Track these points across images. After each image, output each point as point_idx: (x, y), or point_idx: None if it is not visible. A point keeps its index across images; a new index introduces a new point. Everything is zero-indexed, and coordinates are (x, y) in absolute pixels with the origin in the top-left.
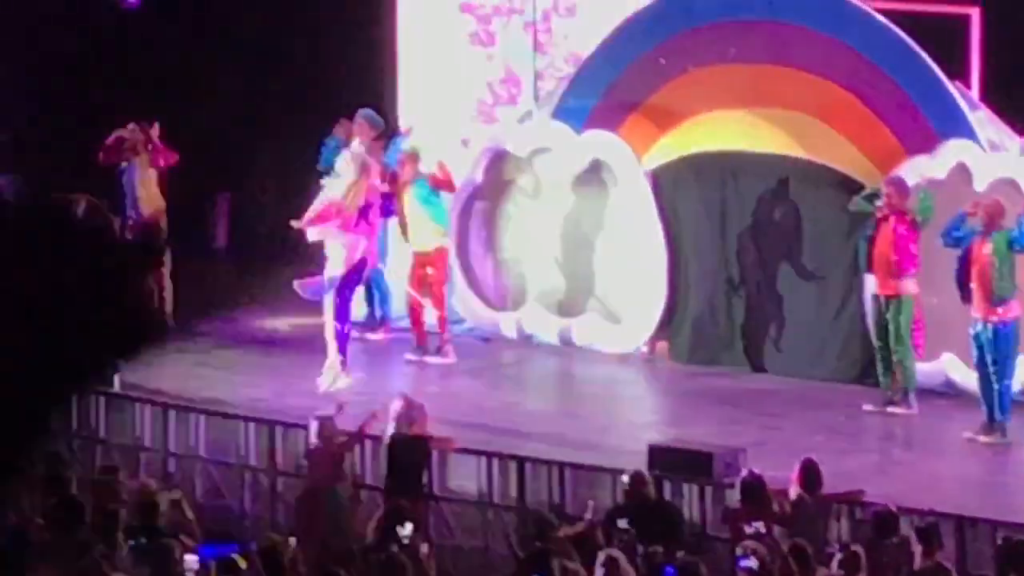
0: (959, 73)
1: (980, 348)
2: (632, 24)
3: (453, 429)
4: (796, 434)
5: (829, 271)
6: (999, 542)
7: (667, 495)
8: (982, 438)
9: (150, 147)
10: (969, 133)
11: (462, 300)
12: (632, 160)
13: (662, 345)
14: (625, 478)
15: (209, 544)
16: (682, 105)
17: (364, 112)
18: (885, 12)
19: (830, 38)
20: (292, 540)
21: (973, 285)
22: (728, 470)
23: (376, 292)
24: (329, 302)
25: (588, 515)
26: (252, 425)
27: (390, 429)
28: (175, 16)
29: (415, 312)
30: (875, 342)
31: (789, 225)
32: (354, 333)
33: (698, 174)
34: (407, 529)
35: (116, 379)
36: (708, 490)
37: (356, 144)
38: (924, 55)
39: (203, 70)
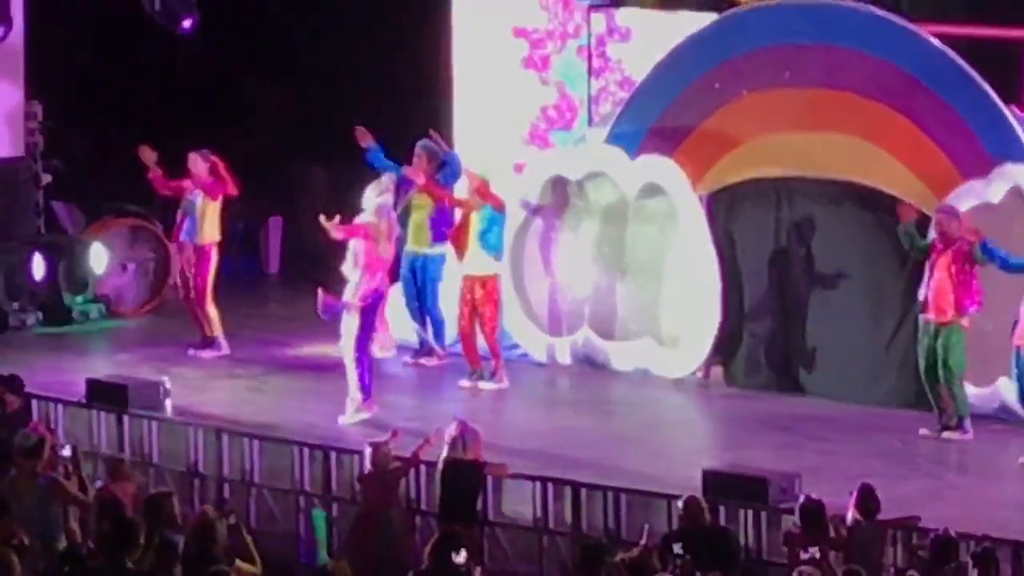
0: (1014, 97)
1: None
2: (686, 48)
3: (507, 454)
4: (851, 459)
5: (884, 295)
6: None
7: (722, 520)
8: None
9: (207, 182)
10: None
11: (516, 325)
12: (686, 184)
13: (717, 370)
14: (680, 503)
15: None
16: (736, 129)
17: (423, 143)
18: (940, 36)
19: (884, 61)
20: (346, 565)
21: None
22: (783, 495)
23: (429, 318)
24: (350, 332)
25: (643, 540)
26: (306, 450)
27: (444, 454)
28: (227, 42)
29: (467, 337)
30: (921, 366)
31: (844, 249)
32: (408, 359)
33: (753, 198)
34: (461, 555)
35: (168, 403)
36: (763, 515)
37: (386, 179)
38: (979, 79)
39: (254, 95)
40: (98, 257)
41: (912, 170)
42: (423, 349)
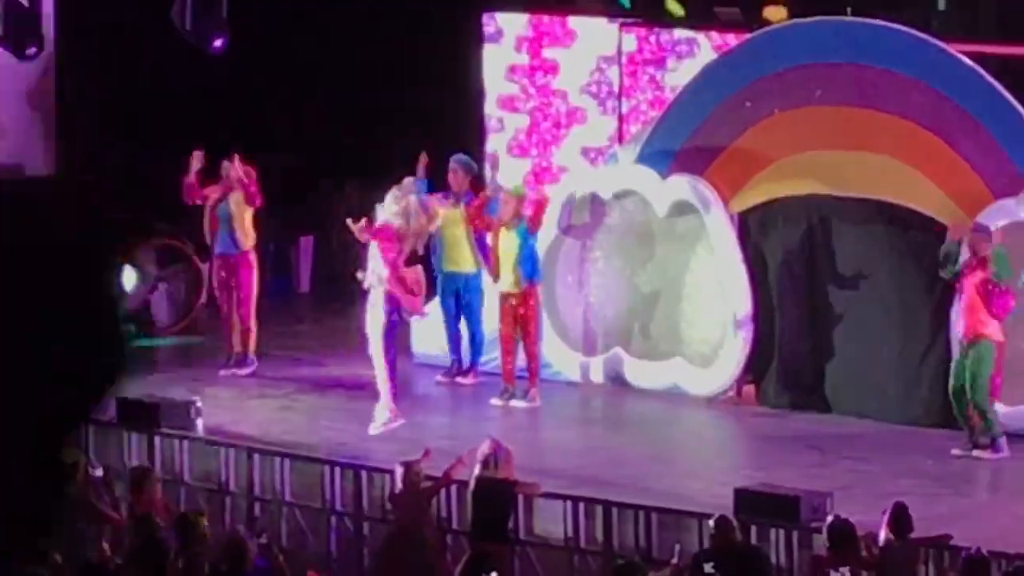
0: None
1: None
2: (717, 67)
3: (539, 473)
4: (882, 478)
5: (914, 314)
6: None
7: (754, 539)
8: None
9: (246, 184)
10: None
11: (548, 343)
12: (718, 203)
13: (749, 389)
14: (711, 522)
15: None
16: (768, 148)
17: (458, 157)
18: (970, 54)
19: (915, 80)
20: None
21: None
22: (815, 514)
23: (472, 335)
24: (378, 344)
25: (675, 560)
26: (337, 469)
27: (476, 473)
28: (258, 61)
29: (509, 354)
30: (951, 384)
31: (875, 268)
32: (440, 377)
33: (784, 217)
34: (493, 575)
35: (199, 423)
36: (795, 534)
37: (407, 182)
38: (1010, 97)
39: (285, 114)
40: (129, 277)
41: (943, 189)
42: (455, 368)
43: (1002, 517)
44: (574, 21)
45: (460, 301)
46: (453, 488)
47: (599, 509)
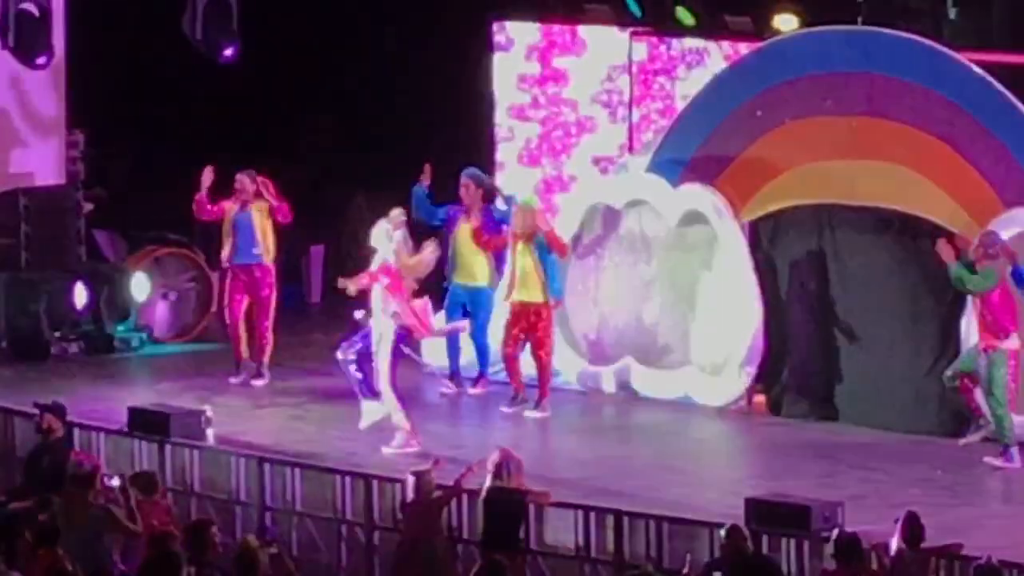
0: None
1: None
2: (728, 76)
3: (550, 482)
4: (893, 487)
5: (925, 323)
6: None
7: (765, 549)
8: None
9: (266, 198)
10: None
11: (559, 353)
12: (728, 212)
13: (760, 398)
14: (723, 532)
15: None
16: (778, 157)
17: (470, 172)
18: (981, 63)
19: (926, 89)
20: None
21: None
22: (826, 523)
23: (477, 346)
24: (387, 374)
25: (686, 570)
26: (348, 479)
27: (487, 482)
28: (268, 70)
29: (513, 360)
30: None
31: (886, 277)
32: (447, 388)
33: (795, 226)
34: None
35: (210, 432)
36: (806, 544)
37: (395, 214)
38: (1021, 106)
39: (295, 124)
40: (140, 285)
41: (954, 197)
42: (456, 380)
43: (1014, 527)
44: (584, 30)
45: (468, 314)
46: (464, 498)
47: (610, 518)
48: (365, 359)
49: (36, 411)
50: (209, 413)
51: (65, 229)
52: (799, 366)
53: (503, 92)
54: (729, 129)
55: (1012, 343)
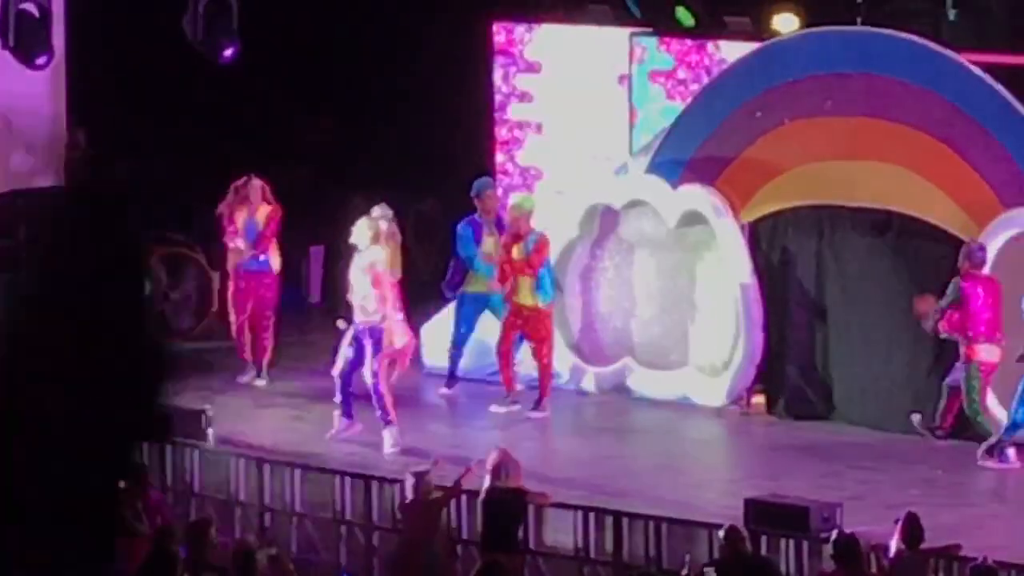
0: None
1: None
2: (728, 77)
3: (549, 483)
4: (892, 488)
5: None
6: None
7: (764, 550)
8: None
9: (270, 202)
10: None
11: (558, 353)
12: (728, 213)
13: (759, 399)
14: (721, 532)
15: None
16: (778, 158)
17: (485, 181)
18: (981, 64)
19: (925, 90)
20: None
21: None
22: (825, 524)
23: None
24: (370, 360)
25: (685, 571)
26: (348, 479)
27: (486, 483)
28: (268, 71)
29: (506, 358)
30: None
31: (885, 278)
32: (446, 389)
33: (795, 227)
34: None
35: (211, 433)
36: (805, 545)
37: (377, 210)
38: (1020, 107)
39: (295, 124)
40: None
41: (953, 198)
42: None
43: (1013, 527)
44: (584, 30)
45: (477, 315)
46: (463, 498)
47: (609, 519)
48: (355, 364)
49: None
50: (209, 413)
51: None
52: (798, 367)
53: (503, 93)
54: (728, 130)
55: (982, 352)
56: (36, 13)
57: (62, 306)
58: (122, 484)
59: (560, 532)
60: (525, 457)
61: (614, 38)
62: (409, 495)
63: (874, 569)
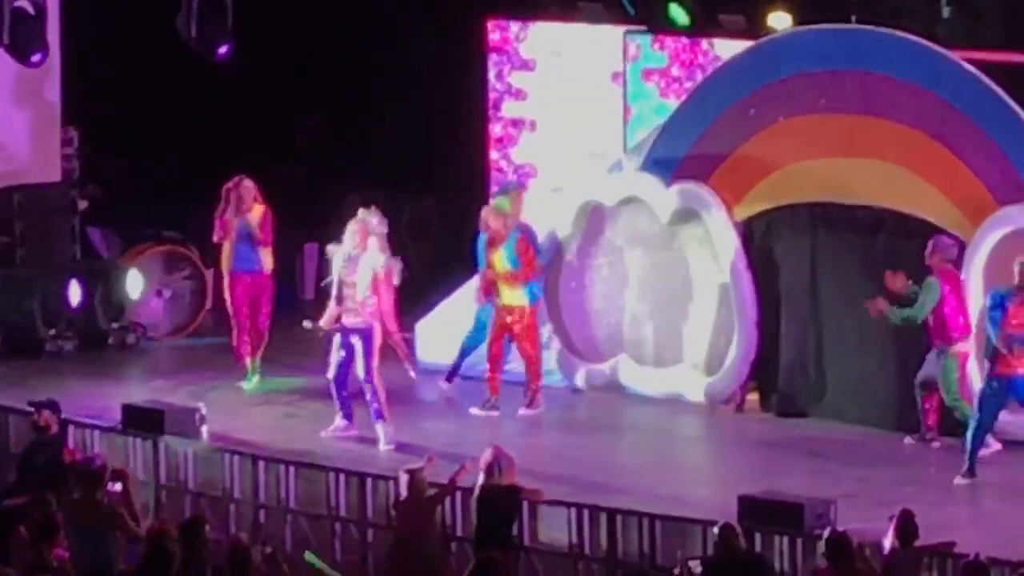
0: None
1: None
2: (722, 75)
3: (543, 480)
4: (886, 486)
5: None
6: None
7: (758, 547)
8: None
9: (262, 203)
10: None
11: (552, 352)
12: (722, 210)
13: (752, 396)
14: (715, 530)
15: None
16: (772, 155)
17: (504, 185)
18: (974, 62)
19: (919, 88)
20: None
21: None
22: (819, 521)
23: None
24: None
25: (677, 570)
26: (342, 476)
27: (480, 480)
28: (263, 69)
29: (496, 362)
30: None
31: (879, 276)
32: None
33: (788, 225)
34: None
35: (204, 429)
36: (799, 542)
37: (362, 213)
38: (1014, 105)
39: (290, 122)
40: (134, 283)
41: (947, 196)
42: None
43: (1006, 525)
44: (578, 28)
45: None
46: (457, 495)
47: (603, 516)
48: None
49: (31, 408)
50: (203, 410)
51: (60, 226)
52: (792, 364)
53: (497, 91)
54: (722, 127)
55: (963, 347)
56: (31, 10)
57: None
58: (118, 487)
59: (554, 529)
60: (519, 454)
61: (608, 36)
62: (403, 493)
63: (867, 567)
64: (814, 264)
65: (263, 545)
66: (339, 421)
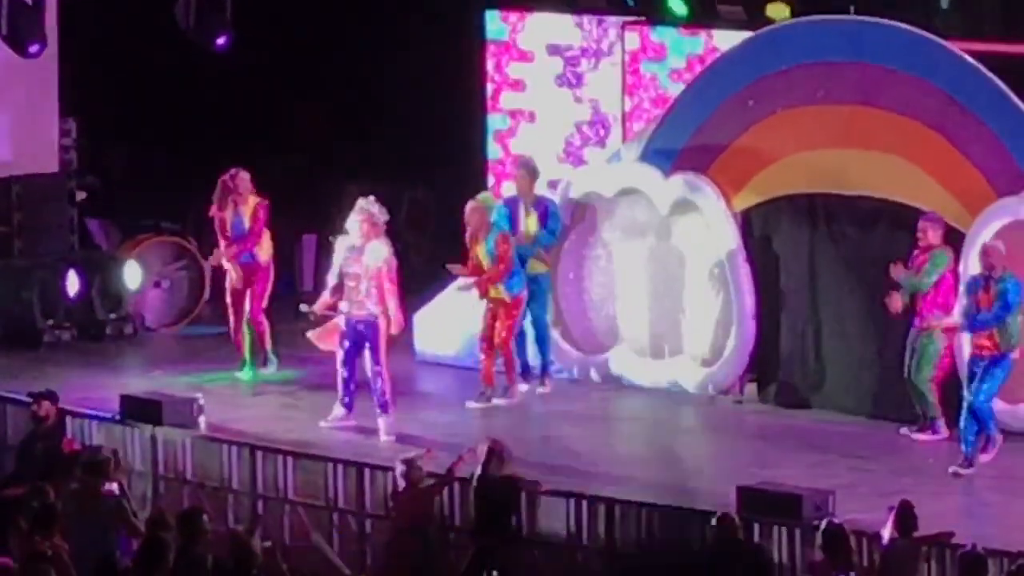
0: None
1: None
2: (720, 66)
3: (541, 471)
4: (884, 476)
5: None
6: None
7: (756, 537)
8: None
9: (257, 195)
10: None
11: (550, 342)
12: (720, 202)
13: (751, 387)
14: (714, 520)
15: None
16: (771, 146)
17: (522, 161)
18: (973, 53)
19: (918, 79)
20: None
21: None
22: (817, 512)
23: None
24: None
25: None
26: (340, 467)
27: (478, 471)
28: (261, 59)
29: (488, 354)
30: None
31: (878, 266)
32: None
33: (787, 216)
34: (496, 573)
35: (202, 420)
36: (797, 532)
37: (361, 202)
38: (1013, 96)
39: (288, 113)
40: (132, 274)
41: (946, 187)
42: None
43: (1004, 515)
44: (575, 19)
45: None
46: (456, 486)
47: (601, 507)
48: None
49: (29, 399)
50: (201, 401)
51: (58, 217)
52: (791, 355)
53: (495, 82)
54: (721, 118)
55: (941, 323)
56: (29, 1)
57: None
58: (115, 487)
59: (553, 520)
60: (517, 445)
61: (607, 27)
62: (401, 483)
63: (863, 559)
64: (813, 255)
65: (262, 541)
66: (338, 410)
